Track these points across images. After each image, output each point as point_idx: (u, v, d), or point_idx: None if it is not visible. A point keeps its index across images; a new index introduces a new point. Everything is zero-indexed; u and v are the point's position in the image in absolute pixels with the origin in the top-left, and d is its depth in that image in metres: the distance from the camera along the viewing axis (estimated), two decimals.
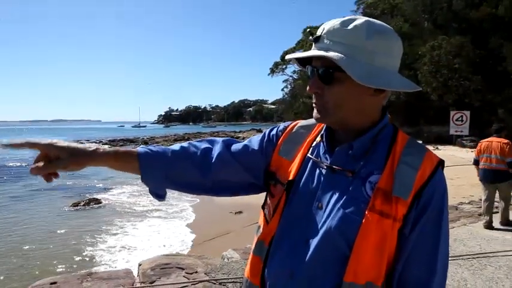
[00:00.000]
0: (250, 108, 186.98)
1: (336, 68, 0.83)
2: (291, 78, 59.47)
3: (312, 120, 1.01)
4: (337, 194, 0.88)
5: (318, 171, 0.94)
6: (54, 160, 0.88)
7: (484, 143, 5.97)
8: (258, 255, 1.00)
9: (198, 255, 4.14)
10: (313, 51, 0.87)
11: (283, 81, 62.76)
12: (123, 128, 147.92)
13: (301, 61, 0.97)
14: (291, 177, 0.96)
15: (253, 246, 1.02)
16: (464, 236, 5.33)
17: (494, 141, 5.81)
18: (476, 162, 6.05)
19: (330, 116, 0.89)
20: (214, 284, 3.18)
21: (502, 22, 24.65)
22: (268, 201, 1.02)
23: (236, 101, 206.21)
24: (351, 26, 0.84)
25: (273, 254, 0.95)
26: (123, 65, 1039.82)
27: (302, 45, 49.67)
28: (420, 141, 0.99)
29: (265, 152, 1.04)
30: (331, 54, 0.82)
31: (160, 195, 1.00)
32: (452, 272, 3.94)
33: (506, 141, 5.74)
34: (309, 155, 0.97)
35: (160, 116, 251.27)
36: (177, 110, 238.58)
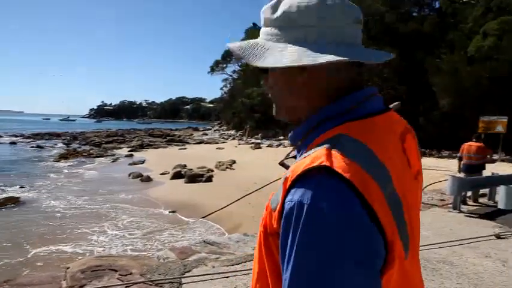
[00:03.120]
0: (188, 106, 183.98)
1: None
2: (230, 77, 59.67)
3: None
4: None
5: None
6: None
7: (466, 145, 8.53)
8: None
9: (132, 256, 3.94)
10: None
11: (222, 80, 62.63)
12: (49, 121, 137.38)
13: None
14: None
15: None
16: None
17: (473, 145, 8.42)
18: (460, 159, 8.72)
19: (276, 109, 0.86)
20: (151, 285, 3.05)
21: (425, 38, 26.92)
22: None
23: (174, 98, 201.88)
24: (265, 6, 0.79)
25: None
26: (52, 54, 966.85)
27: None
28: (349, 141, 0.66)
29: None
30: (232, 44, 0.78)
31: None
32: None
33: (481, 144, 8.47)
34: None
35: (91, 110, 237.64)
36: (111, 104, 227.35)
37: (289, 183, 0.62)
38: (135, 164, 24.01)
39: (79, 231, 10.45)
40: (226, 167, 20.73)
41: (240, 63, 55.36)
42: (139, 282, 3.06)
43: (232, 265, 3.41)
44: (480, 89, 21.73)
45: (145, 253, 7.29)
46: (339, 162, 0.60)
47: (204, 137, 48.75)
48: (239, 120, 49.08)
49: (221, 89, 68.77)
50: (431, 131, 23.05)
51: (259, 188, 15.22)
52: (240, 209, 12.72)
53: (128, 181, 18.19)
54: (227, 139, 43.88)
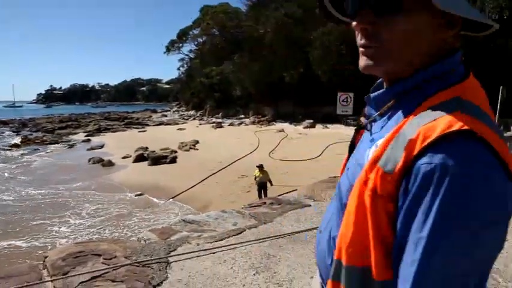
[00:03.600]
0: (144, 88, 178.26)
1: None
2: (187, 57, 58.32)
3: None
4: (356, 151, 0.82)
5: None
6: None
7: None
8: None
9: (112, 239, 3.90)
10: None
11: (179, 60, 61.03)
12: None
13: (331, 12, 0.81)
14: (356, 130, 0.91)
15: None
16: None
17: None
18: None
19: (387, 62, 0.70)
20: (138, 266, 3.05)
21: None
22: None
23: (128, 80, 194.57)
24: None
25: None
26: None
27: (199, 23, 48.78)
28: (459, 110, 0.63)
29: None
30: None
31: None
32: None
33: None
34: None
35: (40, 94, 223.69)
36: (61, 88, 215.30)
37: (422, 145, 0.59)
38: (93, 149, 23.20)
39: (35, 223, 9.94)
40: (190, 148, 20.56)
41: (196, 42, 54.19)
42: (127, 265, 3.05)
43: (217, 241, 3.46)
44: None
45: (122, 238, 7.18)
46: (475, 125, 0.59)
47: (164, 119, 47.76)
48: (198, 100, 48.40)
49: (178, 69, 67.27)
50: None
51: (225, 167, 15.29)
52: (207, 188, 12.77)
53: (89, 167, 17.60)
54: (187, 120, 43.27)
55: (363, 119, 0.84)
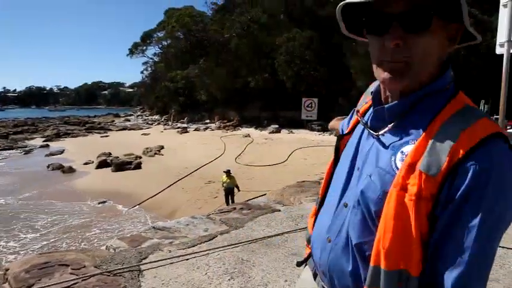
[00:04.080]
0: (106, 91, 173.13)
1: (435, 10, 0.72)
2: (151, 60, 57.28)
3: None
4: (369, 160, 0.83)
5: (363, 133, 0.90)
6: None
7: None
8: (316, 206, 1.03)
9: (79, 249, 3.77)
10: None
11: (143, 64, 59.80)
12: None
13: (350, 18, 0.86)
14: (342, 133, 0.97)
15: None
16: None
17: None
18: None
19: (413, 76, 0.76)
20: (109, 276, 2.97)
21: None
22: None
23: (89, 83, 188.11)
24: None
25: (320, 212, 0.98)
26: None
27: (164, 26, 48.13)
28: (482, 111, 0.78)
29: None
30: None
31: None
32: None
33: None
34: (362, 113, 0.94)
35: None
36: (15, 91, 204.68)
37: (468, 147, 0.67)
38: (52, 154, 22.26)
39: None
40: (155, 153, 20.20)
41: (160, 45, 53.40)
42: (97, 274, 2.96)
43: (189, 247, 3.44)
44: None
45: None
46: (499, 128, 0.71)
47: (127, 123, 46.61)
48: (163, 105, 47.62)
49: (142, 72, 65.75)
50: (349, 110, 24.55)
51: (191, 172, 15.15)
52: (174, 194, 12.60)
53: (47, 174, 16.85)
54: (152, 124, 42.47)
55: (365, 129, 0.88)
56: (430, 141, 0.72)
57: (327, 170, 0.99)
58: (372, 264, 0.75)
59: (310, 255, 1.01)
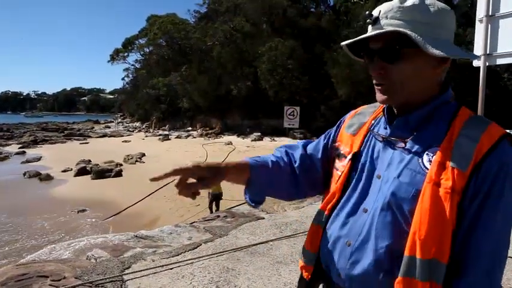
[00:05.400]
0: (85, 98, 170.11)
1: (402, 44, 0.86)
2: (132, 67, 56.71)
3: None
4: (394, 165, 0.92)
5: (378, 144, 0.99)
6: (199, 180, 1.02)
7: None
8: (317, 224, 1.05)
9: (59, 259, 3.67)
10: (383, 28, 0.87)
11: (124, 70, 59.13)
12: None
13: (353, 49, 1.00)
14: (355, 149, 1.02)
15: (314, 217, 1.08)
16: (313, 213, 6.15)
17: None
18: None
19: (398, 96, 0.91)
20: (91, 286, 2.90)
21: (324, 33, 28.86)
22: (333, 175, 1.08)
23: (68, 89, 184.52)
24: (408, 4, 0.87)
25: (332, 221, 1.00)
26: None
27: (146, 33, 47.81)
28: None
29: (328, 136, 1.16)
30: (404, 30, 0.84)
31: (258, 202, 1.12)
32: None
33: None
34: (371, 128, 1.03)
35: None
36: None
37: (489, 146, 0.81)
38: (29, 162, 21.65)
39: None
40: (136, 161, 19.92)
41: (142, 52, 52.98)
42: (78, 285, 2.89)
43: (173, 256, 3.39)
44: (371, 80, 24.11)
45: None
46: (506, 132, 0.86)
47: (107, 130, 45.84)
48: (144, 112, 47.09)
49: (123, 79, 65.13)
50: (331, 118, 24.92)
51: (173, 180, 14.97)
52: (155, 202, 12.41)
53: (23, 181, 16.37)
54: (133, 131, 41.92)
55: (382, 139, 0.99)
56: (456, 142, 0.85)
57: (339, 184, 1.03)
58: (406, 254, 0.83)
59: (311, 274, 1.05)
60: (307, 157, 1.14)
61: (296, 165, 1.12)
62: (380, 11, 0.89)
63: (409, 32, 0.83)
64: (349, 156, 1.03)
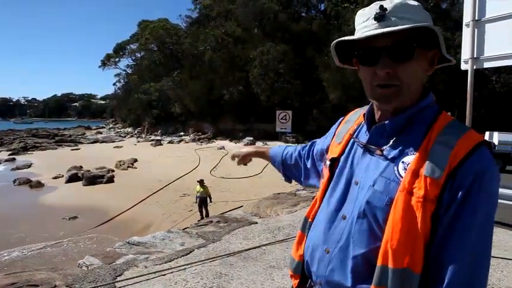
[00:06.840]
0: (76, 103, 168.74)
1: (417, 42, 0.83)
2: (124, 72, 56.50)
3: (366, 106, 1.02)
4: (370, 172, 0.90)
5: (359, 150, 0.97)
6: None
7: None
8: (302, 231, 1.05)
9: (49, 267, 3.63)
10: (396, 25, 0.82)
11: (115, 75, 58.85)
12: None
13: (341, 54, 0.97)
14: (334, 155, 1.03)
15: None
16: None
17: None
18: None
19: (404, 97, 0.87)
20: None
21: (315, 37, 29.04)
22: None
23: (59, 95, 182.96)
24: (413, 3, 0.85)
25: (312, 228, 1.00)
26: None
27: (137, 38, 47.70)
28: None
29: (321, 143, 1.22)
30: (428, 25, 0.81)
31: (286, 176, 1.44)
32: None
33: None
34: (353, 135, 1.02)
35: None
36: None
37: (465, 152, 0.79)
38: (19, 168, 21.39)
39: None
40: (128, 166, 19.80)
41: (134, 58, 52.84)
42: None
43: (166, 262, 3.37)
44: (362, 83, 24.31)
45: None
46: (484, 138, 0.83)
47: (99, 136, 45.54)
48: (136, 117, 46.88)
49: (114, 84, 64.67)
50: (323, 122, 25.04)
51: (166, 185, 14.92)
52: (147, 208, 12.34)
53: (13, 189, 16.15)
54: (125, 137, 41.65)
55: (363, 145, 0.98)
56: (431, 149, 0.82)
57: (321, 190, 1.04)
58: (379, 264, 0.82)
59: (298, 283, 1.05)
60: (299, 157, 1.35)
61: (292, 162, 1.37)
62: (389, 7, 0.84)
63: (436, 29, 0.81)
64: (328, 163, 1.04)
